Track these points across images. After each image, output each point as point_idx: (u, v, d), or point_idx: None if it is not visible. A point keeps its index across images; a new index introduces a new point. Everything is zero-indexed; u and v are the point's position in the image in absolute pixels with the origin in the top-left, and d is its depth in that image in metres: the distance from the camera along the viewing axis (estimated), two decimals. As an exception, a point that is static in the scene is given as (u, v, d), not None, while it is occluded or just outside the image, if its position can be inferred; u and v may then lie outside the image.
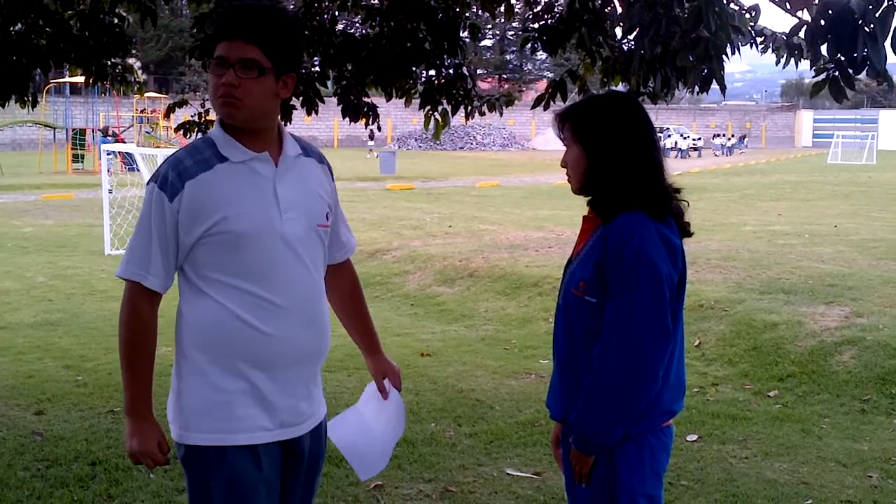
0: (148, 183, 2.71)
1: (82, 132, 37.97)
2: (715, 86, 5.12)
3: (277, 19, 2.63)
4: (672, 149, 55.54)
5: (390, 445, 3.12)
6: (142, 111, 43.86)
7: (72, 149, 36.59)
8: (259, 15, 2.61)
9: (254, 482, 2.69)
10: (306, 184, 2.79)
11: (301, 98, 6.97)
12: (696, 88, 5.23)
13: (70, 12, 6.79)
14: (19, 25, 6.55)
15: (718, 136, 64.25)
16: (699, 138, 61.64)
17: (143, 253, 2.65)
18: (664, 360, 2.62)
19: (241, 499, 2.68)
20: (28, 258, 14.69)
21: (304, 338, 2.73)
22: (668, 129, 59.53)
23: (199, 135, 7.11)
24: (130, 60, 7.84)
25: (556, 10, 6.32)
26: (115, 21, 6.85)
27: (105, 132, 35.69)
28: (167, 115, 7.70)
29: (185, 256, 2.66)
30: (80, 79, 8.13)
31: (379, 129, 7.42)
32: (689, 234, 2.79)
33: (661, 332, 2.59)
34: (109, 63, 7.13)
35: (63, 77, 36.33)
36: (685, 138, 59.05)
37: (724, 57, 4.73)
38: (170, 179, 2.61)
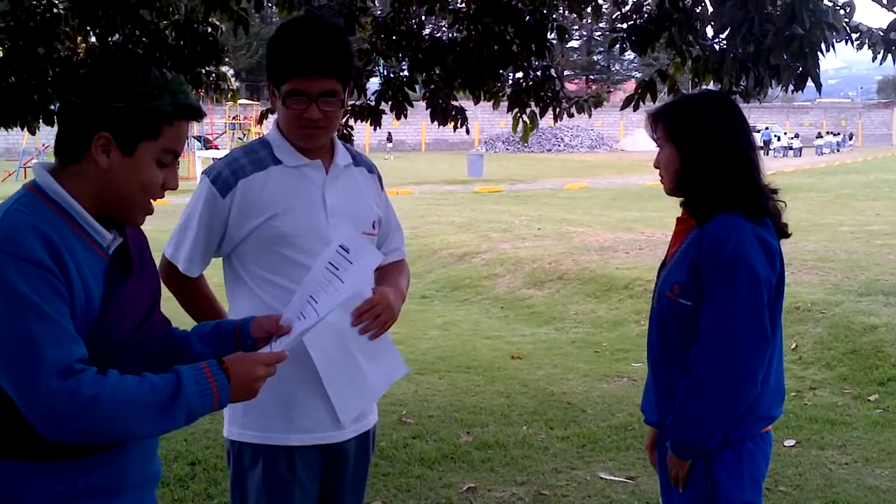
0: (203, 174, 2.81)
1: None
2: (809, 83, 5.01)
3: (342, 42, 2.67)
4: (782, 148, 55.22)
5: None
6: (234, 118, 44.68)
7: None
8: (330, 45, 2.62)
9: (287, 484, 2.71)
10: (355, 192, 2.84)
11: (390, 102, 7.03)
12: (791, 87, 5.13)
13: (165, 22, 6.96)
14: (117, 36, 6.73)
15: (833, 134, 63.70)
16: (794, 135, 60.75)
17: (180, 237, 2.81)
18: (763, 364, 2.57)
19: (274, 499, 2.71)
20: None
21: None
22: (766, 128, 58.62)
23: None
24: (224, 68, 7.99)
25: (644, 10, 6.25)
26: (209, 30, 7.00)
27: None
28: (260, 122, 7.82)
29: (231, 248, 2.75)
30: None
31: (468, 132, 7.44)
32: (787, 236, 2.74)
33: (759, 335, 2.54)
34: (204, 71, 7.28)
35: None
36: (795, 137, 58.39)
37: (818, 54, 4.63)
38: (223, 176, 2.70)
